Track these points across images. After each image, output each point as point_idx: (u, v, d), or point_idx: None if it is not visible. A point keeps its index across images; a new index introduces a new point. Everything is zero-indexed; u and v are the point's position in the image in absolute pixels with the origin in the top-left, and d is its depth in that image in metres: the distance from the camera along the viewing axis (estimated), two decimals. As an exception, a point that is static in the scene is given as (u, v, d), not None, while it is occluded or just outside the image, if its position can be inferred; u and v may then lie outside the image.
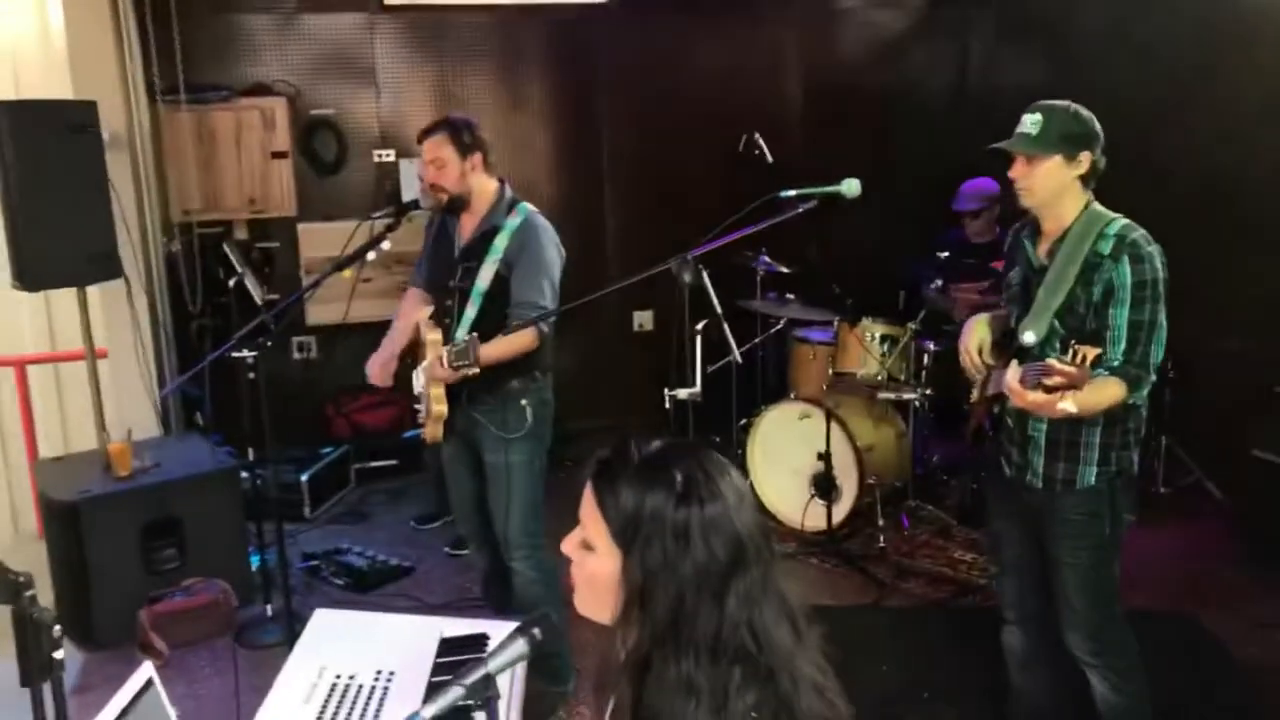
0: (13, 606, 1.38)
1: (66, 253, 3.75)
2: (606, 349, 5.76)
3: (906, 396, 4.50)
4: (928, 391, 4.49)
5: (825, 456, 4.32)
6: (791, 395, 4.68)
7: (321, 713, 1.85)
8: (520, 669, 1.99)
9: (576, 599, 1.37)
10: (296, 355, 5.47)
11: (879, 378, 4.43)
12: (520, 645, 1.39)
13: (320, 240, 5.23)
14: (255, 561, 4.05)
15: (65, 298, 4.28)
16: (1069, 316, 2.36)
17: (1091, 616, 2.47)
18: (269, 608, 3.80)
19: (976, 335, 2.55)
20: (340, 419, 5.40)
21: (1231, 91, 4.34)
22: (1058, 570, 2.48)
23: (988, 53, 6.09)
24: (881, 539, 4.31)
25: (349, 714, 1.84)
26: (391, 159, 5.42)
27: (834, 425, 4.33)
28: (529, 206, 3.05)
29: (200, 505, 3.88)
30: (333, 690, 1.92)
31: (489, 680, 1.36)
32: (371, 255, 3.09)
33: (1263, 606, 3.70)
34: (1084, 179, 2.39)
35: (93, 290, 4.10)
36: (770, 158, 5.12)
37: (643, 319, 6.01)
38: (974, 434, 2.66)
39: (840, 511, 4.40)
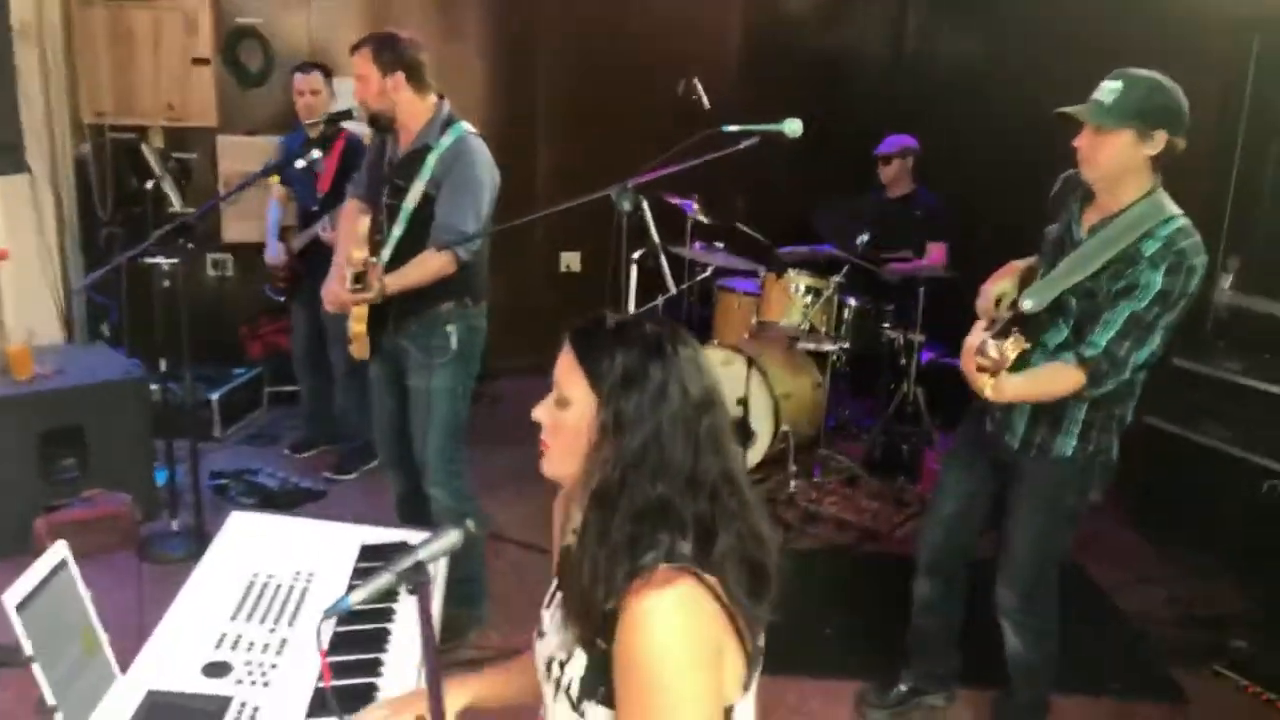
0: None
1: (-32, 142, 3.56)
2: (532, 289, 5.72)
3: (826, 348, 4.60)
4: (846, 345, 4.59)
5: (743, 402, 4.40)
6: (714, 342, 4.74)
7: (238, 610, 1.83)
8: (439, 589, 1.99)
9: (545, 460, 1.40)
10: (212, 272, 5.30)
11: (801, 328, 4.51)
12: (453, 534, 1.39)
13: (241, 154, 5.05)
14: (161, 478, 3.94)
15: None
16: (1086, 301, 2.27)
17: (1029, 577, 2.54)
18: (175, 523, 3.71)
19: (1000, 285, 2.46)
20: (255, 341, 5.26)
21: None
22: (1010, 526, 2.54)
23: (925, 20, 6.17)
24: (792, 485, 4.41)
25: (267, 611, 1.83)
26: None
27: (753, 372, 4.40)
28: (464, 126, 2.98)
29: (104, 415, 3.76)
30: (250, 588, 1.89)
31: (420, 567, 1.36)
32: (300, 163, 3.01)
33: (1144, 564, 3.93)
34: (1155, 161, 2.21)
35: (-6, 185, 3.90)
36: (708, 104, 5.12)
37: (570, 260, 5.98)
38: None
39: (754, 456, 4.49)
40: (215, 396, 4.68)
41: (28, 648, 1.35)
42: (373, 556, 2.05)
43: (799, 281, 4.54)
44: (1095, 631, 3.45)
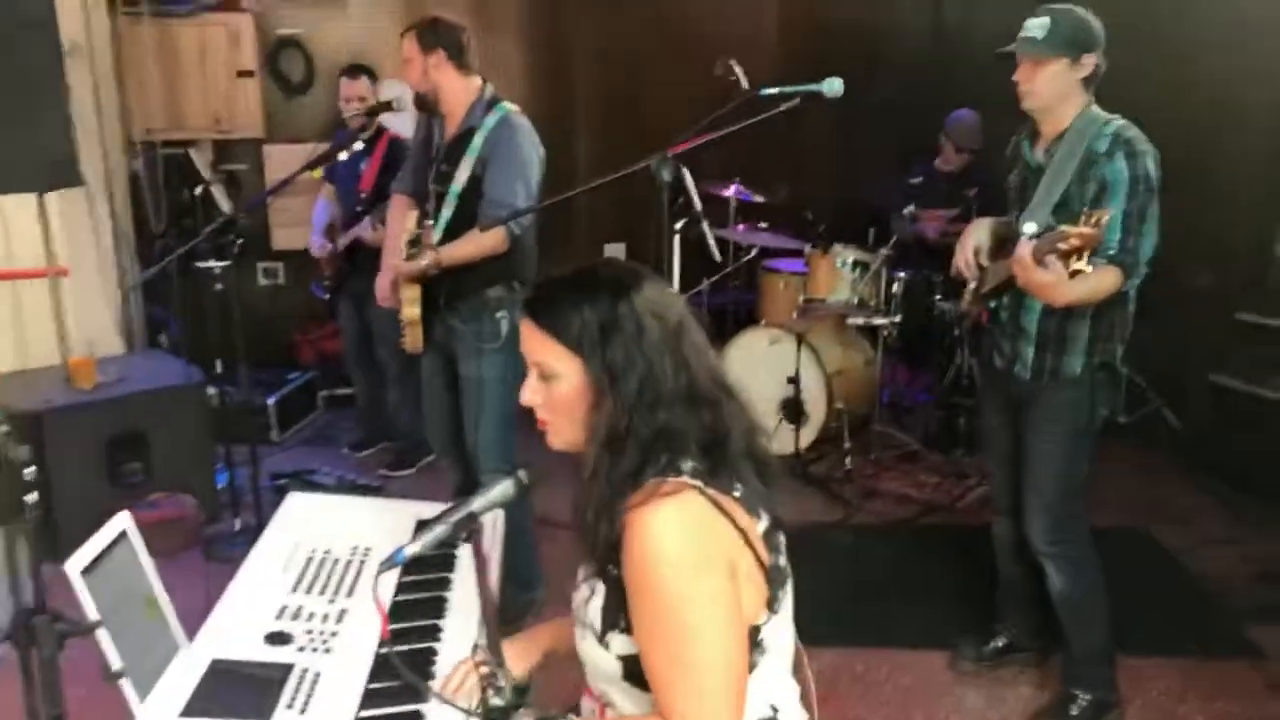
0: (-15, 442, 1.35)
1: (24, 157, 3.65)
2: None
3: (876, 323, 4.53)
4: (897, 319, 4.52)
5: (794, 380, 4.35)
6: (762, 323, 4.70)
7: (298, 582, 1.84)
8: (494, 571, 1.99)
9: (551, 434, 1.41)
10: (263, 281, 5.39)
11: (850, 303, 4.46)
12: (506, 485, 1.39)
13: (287, 162, 5.08)
14: (222, 480, 4.01)
15: (21, 212, 4.14)
16: (1064, 213, 2.38)
17: (1055, 507, 2.54)
18: (237, 522, 3.77)
19: (974, 237, 2.60)
20: (307, 345, 5.34)
21: (1209, 34, 4.33)
22: (1031, 458, 2.55)
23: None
24: (848, 462, 4.35)
25: (326, 583, 1.84)
26: (361, 82, 5.31)
27: (804, 350, 4.36)
28: (508, 105, 2.99)
29: (166, 420, 3.83)
30: (309, 562, 1.91)
31: (473, 518, 1.37)
32: (343, 155, 3.04)
33: (1213, 524, 3.83)
34: (1086, 81, 2.41)
35: (51, 201, 3.99)
36: (746, 84, 5.07)
37: (614, 251, 5.97)
38: (973, 330, 2.76)
39: (807, 436, 4.44)
40: (272, 400, 4.76)
41: (92, 613, 1.37)
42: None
43: (845, 256, 4.48)
44: (1167, 594, 3.36)
